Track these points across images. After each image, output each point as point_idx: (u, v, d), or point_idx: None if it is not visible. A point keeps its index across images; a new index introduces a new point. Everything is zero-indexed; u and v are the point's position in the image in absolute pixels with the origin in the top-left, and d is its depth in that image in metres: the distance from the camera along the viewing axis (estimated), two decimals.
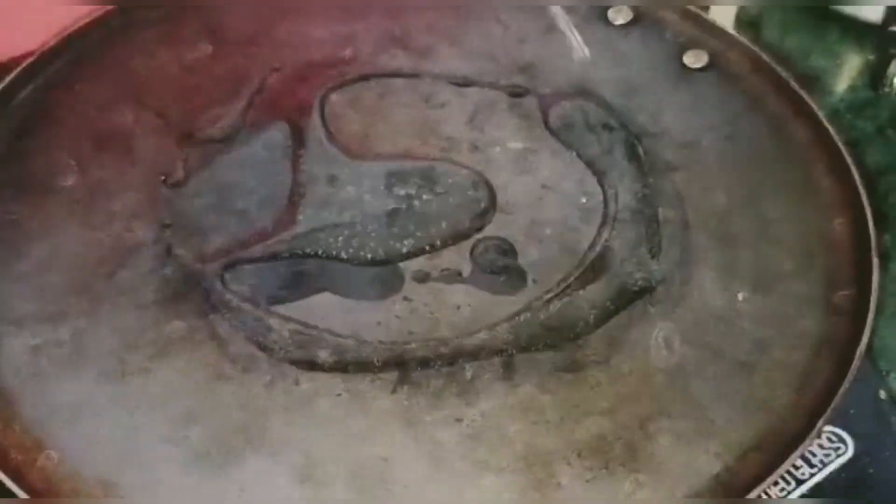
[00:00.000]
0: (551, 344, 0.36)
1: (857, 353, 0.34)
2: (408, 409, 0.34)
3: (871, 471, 0.38)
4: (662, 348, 0.36)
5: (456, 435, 0.33)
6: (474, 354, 0.35)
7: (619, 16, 0.50)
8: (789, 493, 0.37)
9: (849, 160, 0.42)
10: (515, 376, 0.35)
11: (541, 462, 0.33)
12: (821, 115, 0.44)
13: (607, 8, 0.50)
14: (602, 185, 0.41)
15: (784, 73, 0.46)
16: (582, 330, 0.37)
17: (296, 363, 0.35)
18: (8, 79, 0.44)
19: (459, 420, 0.34)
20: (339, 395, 0.34)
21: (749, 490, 0.31)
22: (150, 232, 0.39)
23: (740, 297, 0.38)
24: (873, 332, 0.36)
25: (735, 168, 0.43)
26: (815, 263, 0.39)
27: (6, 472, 0.31)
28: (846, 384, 0.33)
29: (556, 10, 0.48)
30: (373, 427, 0.33)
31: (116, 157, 0.42)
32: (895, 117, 0.51)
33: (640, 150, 0.43)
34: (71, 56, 0.46)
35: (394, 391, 0.34)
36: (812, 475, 0.37)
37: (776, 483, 0.37)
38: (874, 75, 0.52)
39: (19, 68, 0.44)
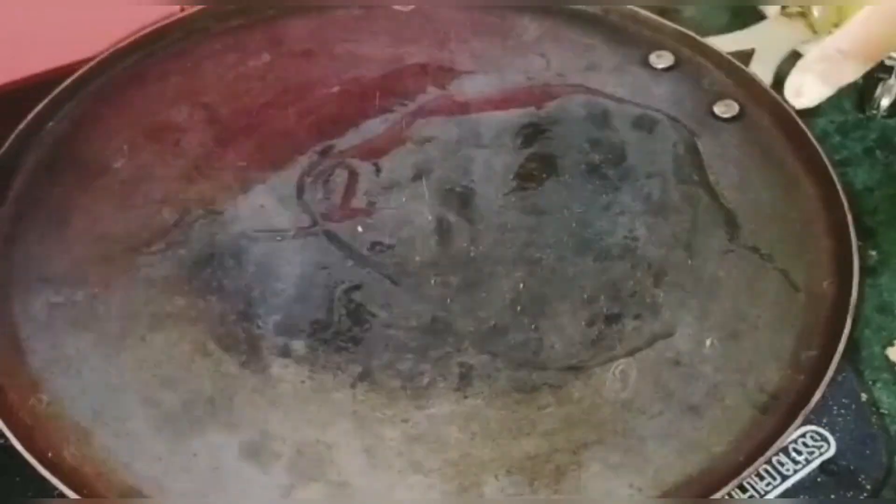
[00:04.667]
0: (513, 363, 0.38)
1: (803, 412, 0.34)
2: (361, 404, 0.36)
3: (852, 468, 0.39)
4: (617, 381, 0.37)
5: (399, 434, 0.35)
6: (436, 363, 0.38)
7: (661, 60, 0.52)
8: (774, 487, 0.38)
9: (851, 226, 0.41)
10: (469, 388, 0.37)
11: (471, 471, 0.34)
12: (833, 174, 0.44)
13: (650, 52, 0.51)
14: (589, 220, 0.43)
15: (805, 129, 0.46)
16: (546, 355, 0.38)
17: (271, 349, 0.38)
18: (82, 70, 0.49)
19: (405, 421, 0.36)
20: (303, 382, 0.37)
21: None
22: (176, 216, 0.44)
23: (708, 343, 0.38)
24: (858, 342, 0.39)
25: (735, 217, 0.43)
26: (792, 320, 0.39)
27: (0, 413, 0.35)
28: (785, 438, 0.33)
29: None
30: (325, 416, 0.36)
31: (163, 148, 0.47)
32: (883, 138, 0.52)
33: (647, 190, 0.44)
34: (144, 53, 0.51)
35: (352, 386, 0.37)
36: (796, 471, 0.39)
37: (762, 477, 0.38)
38: (861, 98, 0.54)
39: (94, 61, 0.50)
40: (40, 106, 0.47)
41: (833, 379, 0.37)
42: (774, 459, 0.39)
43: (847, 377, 0.41)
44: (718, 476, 0.33)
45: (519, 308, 0.40)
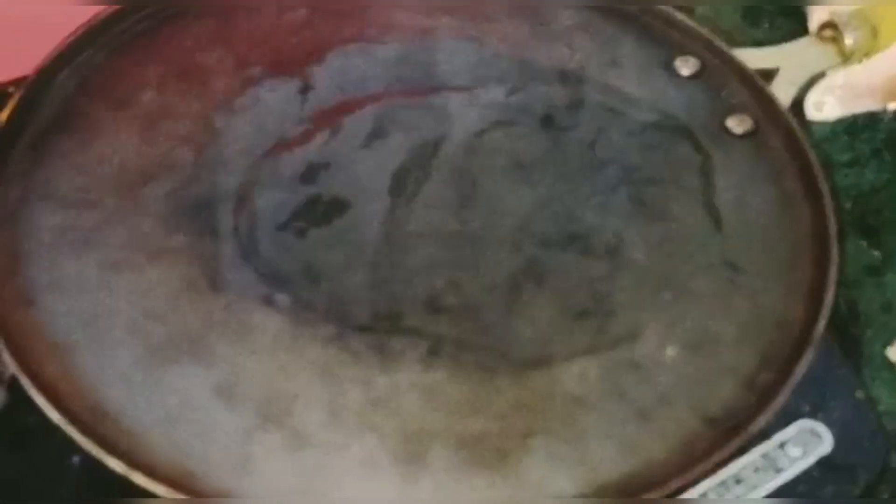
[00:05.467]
0: (480, 344, 0.39)
1: (747, 432, 0.35)
2: (331, 362, 0.38)
3: (847, 463, 0.40)
4: (575, 377, 0.39)
5: (360, 395, 0.37)
6: (407, 333, 0.39)
7: (685, 66, 0.52)
8: (770, 480, 0.39)
9: (835, 261, 0.42)
10: (436, 361, 0.39)
11: (419, 440, 0.36)
12: (829, 206, 0.44)
13: (675, 57, 0.52)
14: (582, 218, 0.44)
15: (812, 157, 0.46)
16: (513, 340, 0.40)
17: (257, 297, 0.40)
18: (118, 8, 0.51)
19: (367, 383, 0.38)
20: (281, 332, 0.39)
21: None
22: (191, 155, 0.45)
23: (669, 351, 0.40)
24: (860, 340, 0.40)
25: (725, 233, 0.44)
26: (756, 341, 0.40)
27: None
28: (724, 454, 0.35)
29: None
30: (296, 368, 0.38)
31: (189, 88, 0.49)
32: (891, 139, 0.53)
33: (644, 194, 0.45)
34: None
35: (326, 344, 0.39)
36: (792, 465, 0.39)
37: (757, 469, 0.39)
38: None
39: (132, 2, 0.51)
40: (77, 34, 0.49)
41: (828, 374, 0.39)
42: (771, 453, 0.40)
43: (845, 374, 0.42)
44: (650, 481, 0.34)
45: (495, 292, 0.41)
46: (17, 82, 0.48)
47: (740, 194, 0.46)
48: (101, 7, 0.50)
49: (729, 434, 0.36)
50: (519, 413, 0.37)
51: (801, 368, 0.37)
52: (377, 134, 0.47)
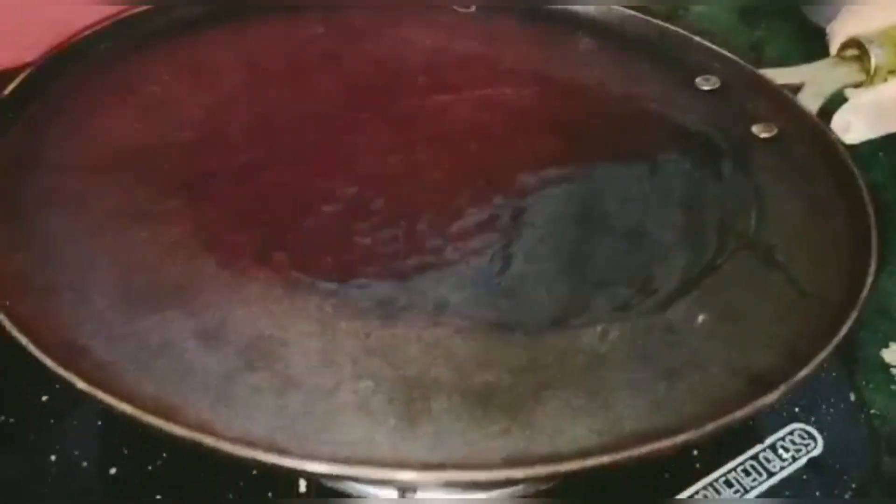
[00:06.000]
0: (494, 305, 0.36)
1: (783, 387, 0.32)
2: (327, 314, 0.35)
3: (838, 466, 0.39)
4: (597, 336, 0.35)
5: (359, 345, 0.34)
6: (414, 291, 0.36)
7: (707, 83, 0.51)
8: (760, 483, 0.38)
9: (874, 248, 0.39)
10: (443, 316, 0.35)
11: (423, 388, 0.32)
12: (866, 195, 0.42)
13: (698, 75, 0.51)
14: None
15: (844, 153, 0.44)
16: (530, 304, 0.37)
17: (252, 255, 0.38)
18: (140, 9, 0.51)
19: (368, 335, 0.34)
20: (275, 287, 0.36)
21: (615, 467, 0.29)
22: (190, 138, 0.44)
23: (700, 319, 0.36)
24: (854, 343, 0.39)
25: (757, 222, 0.42)
26: (791, 319, 0.37)
27: None
28: (749, 411, 0.31)
29: None
30: (289, 318, 0.35)
31: (199, 82, 0.48)
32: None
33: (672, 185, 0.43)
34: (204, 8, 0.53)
35: (323, 298, 0.36)
36: (782, 468, 0.38)
37: (748, 473, 0.38)
38: None
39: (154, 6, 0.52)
40: (91, 31, 0.49)
41: (821, 377, 0.38)
42: (762, 456, 0.38)
43: (837, 377, 0.41)
44: (680, 434, 0.30)
45: (514, 261, 0.38)
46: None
47: (773, 189, 0.44)
48: (119, 7, 0.50)
49: (766, 393, 0.32)
50: (534, 368, 0.34)
51: (835, 342, 0.34)
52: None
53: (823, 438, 0.40)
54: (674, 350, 0.35)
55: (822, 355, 0.33)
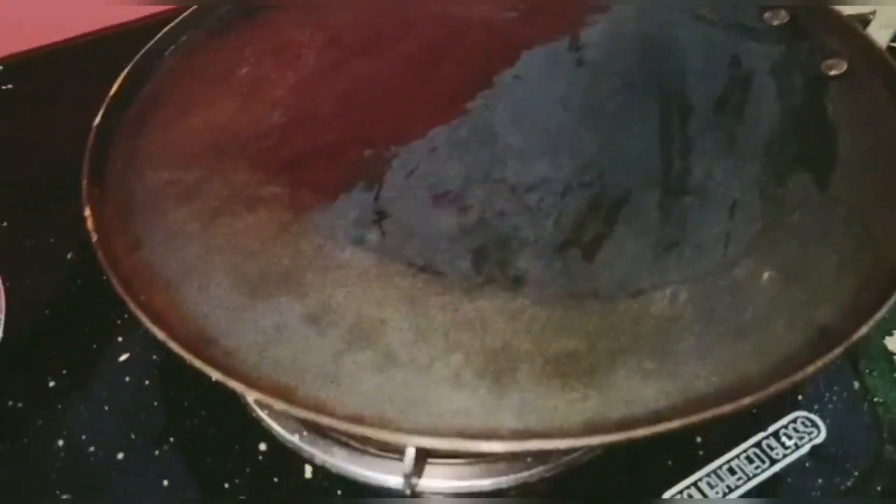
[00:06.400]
0: (568, 273, 0.39)
1: (846, 343, 0.34)
2: (419, 290, 0.39)
3: (840, 454, 0.39)
4: (666, 300, 0.38)
5: (448, 319, 0.38)
6: (496, 264, 0.40)
7: (774, 17, 0.52)
8: (763, 470, 0.39)
9: None
10: (521, 290, 0.39)
11: (508, 357, 0.36)
12: None
13: (766, 10, 0.52)
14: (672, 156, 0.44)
15: None
16: (601, 271, 0.40)
17: (347, 237, 0.41)
18: None
19: (456, 309, 0.38)
20: (370, 267, 0.40)
21: (681, 426, 0.32)
22: (284, 119, 0.48)
23: (766, 276, 0.38)
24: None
25: (824, 166, 0.43)
26: (860, 267, 0.38)
27: (107, 260, 0.40)
28: (819, 364, 0.33)
29: None
30: (385, 296, 0.39)
31: (283, 61, 0.51)
32: None
33: (736, 133, 0.45)
34: None
35: (414, 275, 0.40)
36: (785, 456, 0.39)
37: (751, 460, 0.39)
38: None
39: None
40: (177, 21, 0.52)
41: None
42: (765, 443, 0.40)
43: (841, 365, 0.42)
44: (747, 394, 0.33)
45: (584, 227, 0.41)
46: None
47: (840, 130, 0.45)
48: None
49: (830, 349, 0.34)
50: (608, 334, 0.37)
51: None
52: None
53: (826, 426, 0.40)
54: (740, 310, 0.37)
55: (882, 311, 0.35)
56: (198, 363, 0.35)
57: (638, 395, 0.34)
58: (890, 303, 0.35)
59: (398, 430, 0.33)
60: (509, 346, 0.37)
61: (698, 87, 0.48)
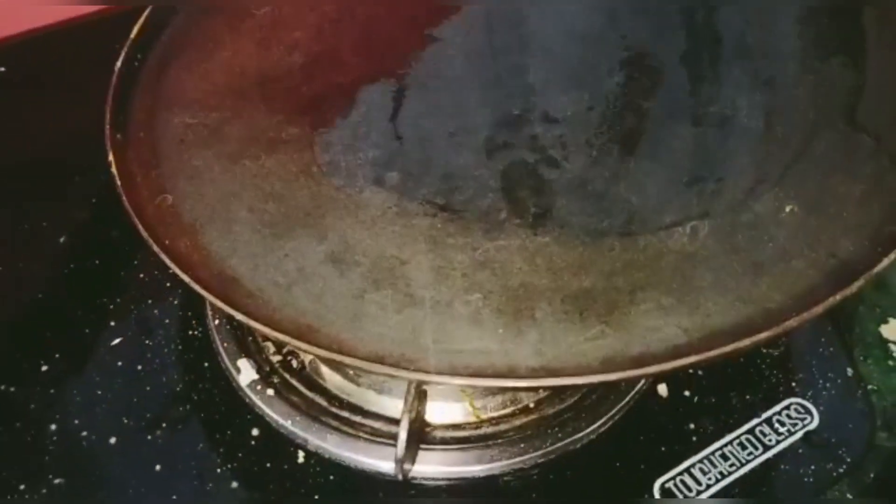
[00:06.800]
0: (587, 210, 0.39)
1: (873, 273, 0.34)
2: (438, 230, 0.39)
3: (833, 440, 0.40)
4: (686, 235, 0.38)
5: (467, 258, 0.38)
6: (516, 203, 0.40)
7: None
8: (756, 456, 0.39)
9: None
10: (541, 228, 0.39)
11: (527, 296, 0.36)
12: None
13: None
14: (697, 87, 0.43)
15: None
16: (621, 207, 0.39)
17: (367, 178, 0.42)
18: None
19: (475, 249, 0.38)
20: (390, 207, 0.40)
21: (696, 363, 0.33)
22: (303, 59, 0.48)
23: (788, 209, 0.38)
24: (852, 318, 0.40)
25: (851, 96, 0.42)
26: (884, 197, 0.38)
27: (132, 205, 0.40)
28: (839, 297, 0.33)
29: None
30: (405, 236, 0.39)
31: (303, 2, 0.51)
32: None
33: (761, 66, 0.44)
34: None
35: (434, 215, 0.40)
36: (778, 442, 0.40)
37: (744, 447, 0.40)
38: None
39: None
40: None
41: (818, 351, 0.40)
42: (758, 430, 0.40)
43: (835, 352, 0.42)
44: (761, 326, 0.33)
45: (602, 164, 0.41)
46: None
47: (867, 58, 0.44)
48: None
49: (849, 281, 0.34)
50: (627, 271, 0.37)
51: None
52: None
53: (819, 413, 0.40)
54: (760, 243, 0.37)
55: None
56: (221, 305, 0.35)
57: (656, 332, 0.35)
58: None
59: (417, 370, 0.34)
60: (528, 284, 0.37)
61: (726, 18, 0.47)
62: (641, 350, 0.34)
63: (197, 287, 0.36)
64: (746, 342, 0.32)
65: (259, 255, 0.39)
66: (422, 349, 0.35)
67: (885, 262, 0.34)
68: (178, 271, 0.37)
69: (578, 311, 0.36)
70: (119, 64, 0.46)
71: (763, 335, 0.32)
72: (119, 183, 0.40)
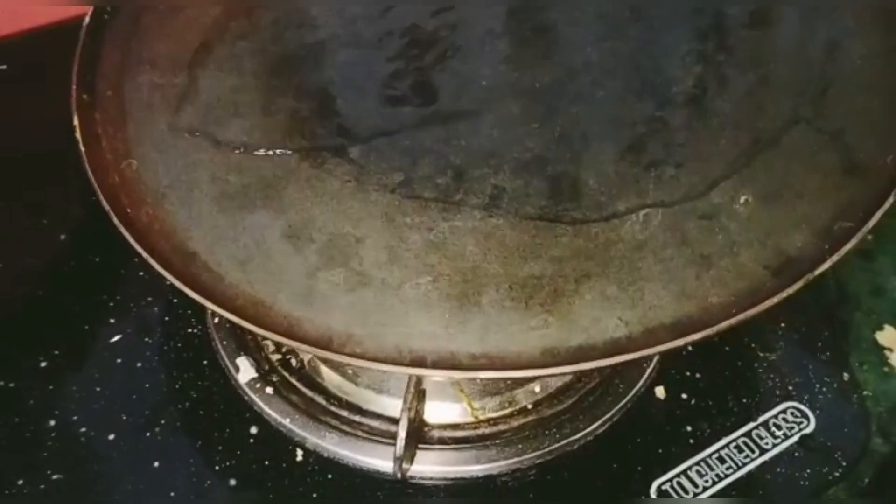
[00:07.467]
0: (544, 193, 0.40)
1: (815, 274, 0.34)
2: (395, 209, 0.40)
3: (829, 444, 0.40)
4: (638, 223, 0.38)
5: (421, 239, 0.39)
6: (473, 181, 0.40)
7: None
8: (752, 459, 0.40)
9: None
10: (495, 209, 0.39)
11: (476, 281, 0.37)
12: None
13: None
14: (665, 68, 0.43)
15: None
16: (577, 190, 0.40)
17: (329, 149, 0.42)
18: None
19: (430, 229, 0.39)
20: (349, 181, 0.41)
21: (634, 360, 0.33)
22: (273, 15, 0.47)
23: (742, 200, 0.38)
24: (848, 324, 0.41)
25: (818, 84, 0.42)
26: (839, 193, 0.38)
27: (94, 172, 0.41)
28: (784, 295, 0.34)
29: None
30: (361, 213, 0.40)
31: None
32: None
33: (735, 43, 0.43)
34: None
35: (392, 191, 0.40)
36: (774, 445, 0.40)
37: (740, 449, 0.41)
38: None
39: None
40: None
41: (815, 356, 0.40)
42: (755, 433, 0.41)
43: (832, 357, 0.43)
44: (703, 326, 0.34)
45: (565, 143, 0.41)
46: None
47: (840, 44, 0.43)
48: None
49: (790, 279, 0.34)
50: (576, 258, 0.37)
51: (878, 217, 0.35)
52: None
53: (816, 417, 0.41)
54: (711, 235, 0.37)
55: (851, 244, 0.35)
56: (177, 283, 0.36)
57: (598, 322, 0.35)
58: (860, 235, 0.35)
59: (360, 356, 0.35)
60: (478, 268, 0.37)
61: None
62: (581, 342, 0.35)
63: (157, 266, 0.37)
64: (679, 342, 0.33)
65: (219, 228, 0.40)
66: (371, 332, 0.36)
67: (827, 263, 0.34)
68: (138, 248, 0.38)
69: (524, 298, 0.36)
70: (87, 20, 0.46)
71: (696, 336, 0.33)
72: (82, 149, 0.41)
